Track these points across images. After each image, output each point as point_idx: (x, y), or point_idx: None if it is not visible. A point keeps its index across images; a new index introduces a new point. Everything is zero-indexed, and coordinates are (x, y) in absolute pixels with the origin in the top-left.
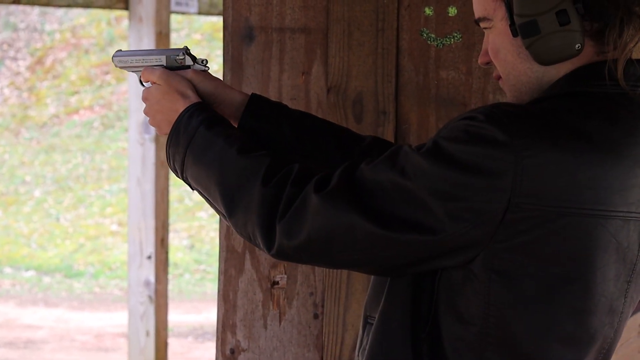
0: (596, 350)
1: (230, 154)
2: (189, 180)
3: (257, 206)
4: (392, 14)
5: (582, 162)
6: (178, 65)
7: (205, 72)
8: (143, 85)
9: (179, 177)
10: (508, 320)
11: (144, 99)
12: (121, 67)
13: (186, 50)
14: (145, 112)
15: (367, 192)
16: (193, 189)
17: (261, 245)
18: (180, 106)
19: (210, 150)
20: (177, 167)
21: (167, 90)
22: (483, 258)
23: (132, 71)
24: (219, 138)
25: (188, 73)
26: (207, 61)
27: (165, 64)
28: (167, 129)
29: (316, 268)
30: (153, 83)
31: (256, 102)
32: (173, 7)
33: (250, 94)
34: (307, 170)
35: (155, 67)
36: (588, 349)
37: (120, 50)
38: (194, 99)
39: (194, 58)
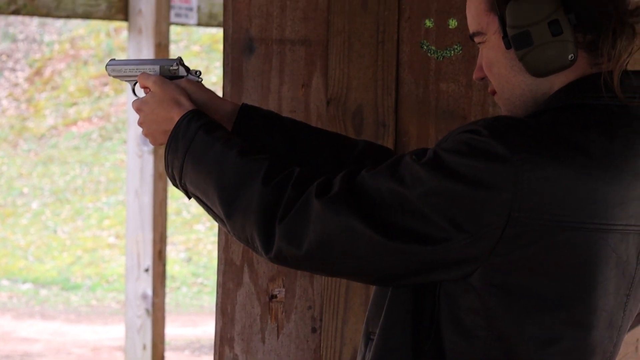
0: None
1: (230, 156)
2: (187, 185)
3: (257, 206)
4: (393, 26)
5: (581, 176)
6: (171, 75)
7: (198, 83)
8: (135, 95)
9: (176, 185)
10: (508, 334)
11: (137, 109)
12: (114, 76)
13: (180, 61)
14: (140, 122)
15: (367, 199)
16: (190, 197)
17: (259, 248)
18: (175, 114)
19: (210, 153)
20: (175, 173)
21: (162, 99)
22: (482, 272)
23: (125, 80)
24: (218, 141)
25: (182, 82)
26: (200, 72)
27: (158, 74)
28: (162, 139)
29: (314, 281)
30: (147, 90)
31: (246, 113)
32: (172, 19)
33: (240, 104)
34: (308, 174)
35: (150, 74)
36: None
37: (114, 59)
38: (188, 106)
39: (187, 69)
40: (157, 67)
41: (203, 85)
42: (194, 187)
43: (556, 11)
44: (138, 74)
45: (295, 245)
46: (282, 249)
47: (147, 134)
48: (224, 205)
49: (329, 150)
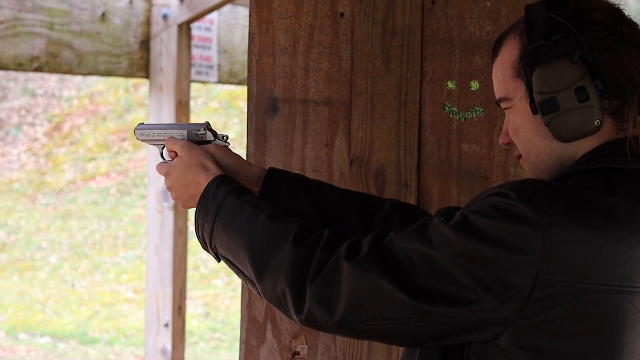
0: None
1: (260, 219)
2: (218, 248)
3: (288, 267)
4: (415, 88)
5: (608, 238)
6: (199, 140)
7: (225, 148)
8: (164, 159)
9: (206, 249)
10: None
11: (165, 173)
12: (142, 140)
13: (207, 126)
14: (168, 187)
15: (396, 262)
16: (220, 260)
17: (291, 309)
18: (202, 179)
19: (239, 216)
20: (205, 236)
21: (189, 163)
22: (510, 334)
23: (153, 144)
24: (247, 205)
25: (210, 147)
26: (227, 137)
27: (186, 139)
28: (190, 203)
29: (337, 339)
30: (173, 154)
31: (273, 177)
32: (193, 76)
33: (267, 168)
34: (338, 236)
35: (178, 138)
36: None
37: (142, 123)
38: (215, 171)
39: (214, 133)
40: (184, 132)
41: (230, 150)
42: (225, 250)
43: (583, 78)
44: (166, 138)
45: (326, 307)
46: (313, 311)
47: (176, 197)
48: (254, 267)
49: (355, 212)
